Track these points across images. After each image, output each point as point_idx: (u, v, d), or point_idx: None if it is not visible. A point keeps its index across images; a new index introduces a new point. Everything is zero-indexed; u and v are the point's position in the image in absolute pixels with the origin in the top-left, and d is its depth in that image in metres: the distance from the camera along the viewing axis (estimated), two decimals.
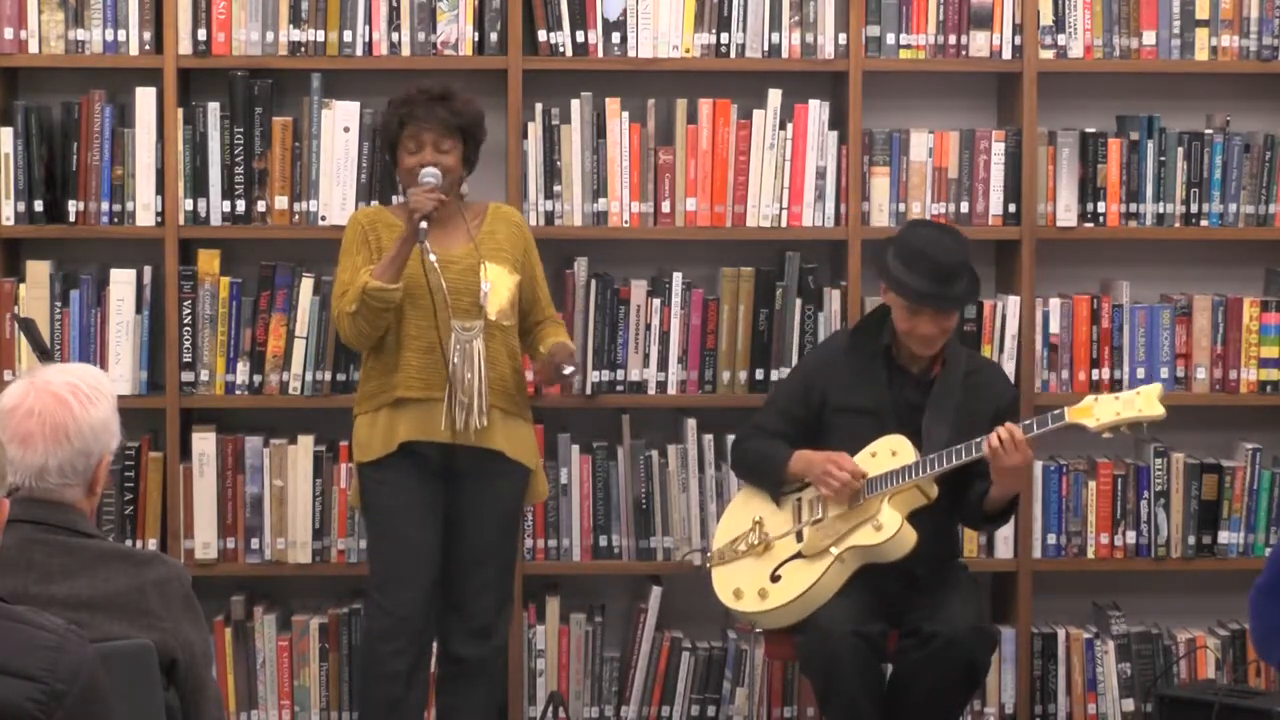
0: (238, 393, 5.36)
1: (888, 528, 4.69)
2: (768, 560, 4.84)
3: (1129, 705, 5.50)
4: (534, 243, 4.95)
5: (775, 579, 4.80)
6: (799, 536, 4.83)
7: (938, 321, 4.79)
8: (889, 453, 4.77)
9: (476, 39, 5.38)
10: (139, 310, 5.35)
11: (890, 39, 5.42)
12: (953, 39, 5.44)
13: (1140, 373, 5.48)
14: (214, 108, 5.34)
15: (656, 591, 5.48)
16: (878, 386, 4.88)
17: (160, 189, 5.33)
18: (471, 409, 4.72)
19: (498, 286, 4.77)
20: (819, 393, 4.93)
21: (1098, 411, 4.63)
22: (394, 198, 5.25)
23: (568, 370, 4.77)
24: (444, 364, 4.71)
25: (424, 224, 4.62)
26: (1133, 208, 5.49)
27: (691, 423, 5.45)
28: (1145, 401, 4.62)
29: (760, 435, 4.98)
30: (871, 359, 4.90)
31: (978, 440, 4.64)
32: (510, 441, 4.82)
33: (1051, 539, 5.50)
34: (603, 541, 5.46)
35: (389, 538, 4.82)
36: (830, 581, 4.73)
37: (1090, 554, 5.50)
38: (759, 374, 5.41)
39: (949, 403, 4.82)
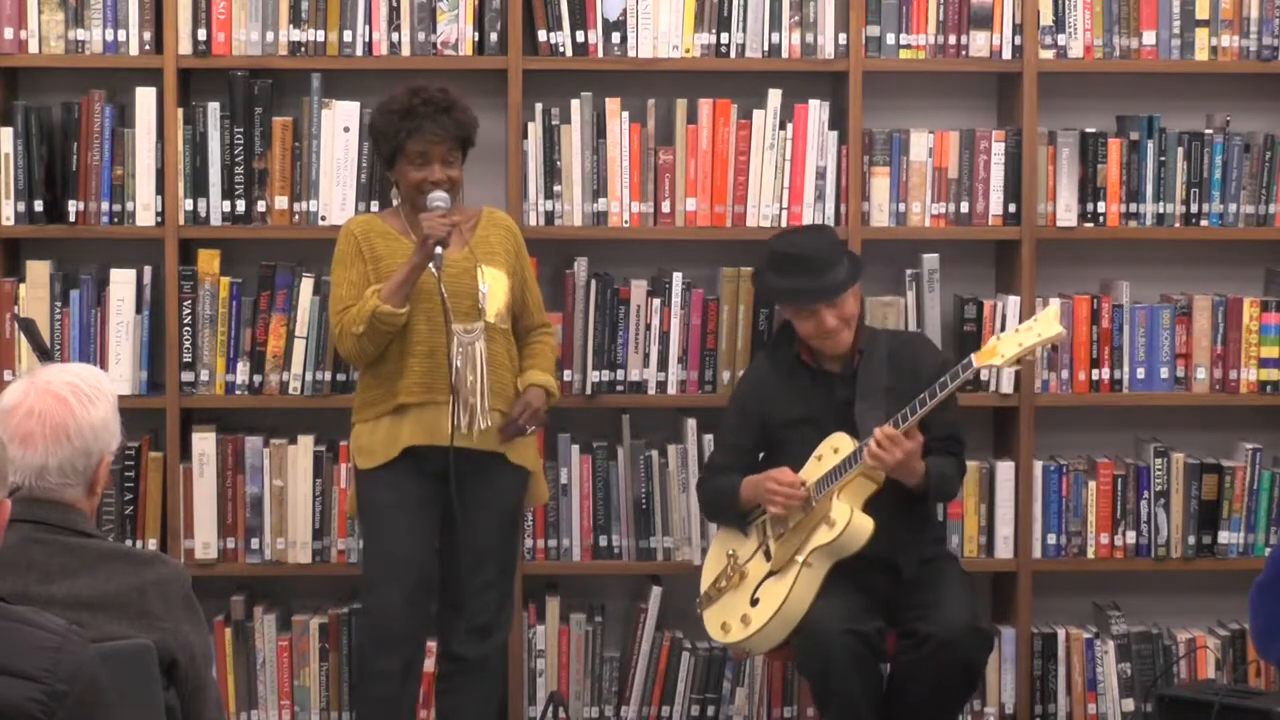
0: (238, 393, 5.36)
1: (839, 521, 4.72)
2: (745, 588, 4.88)
3: (1129, 705, 5.50)
4: (525, 248, 4.95)
5: (754, 602, 4.84)
6: (767, 555, 4.86)
7: (834, 312, 4.84)
8: (832, 451, 4.82)
9: (476, 39, 5.37)
10: (139, 310, 5.35)
11: (890, 39, 5.42)
12: (953, 39, 5.44)
13: (1140, 373, 5.48)
14: (214, 108, 5.34)
15: (656, 591, 5.48)
16: (806, 394, 4.93)
17: (160, 189, 5.33)
18: (476, 411, 4.72)
19: (494, 289, 4.77)
20: (757, 416, 4.99)
21: (1001, 348, 4.68)
22: (392, 200, 5.25)
23: (530, 430, 4.80)
24: (447, 368, 4.71)
25: (439, 250, 4.62)
26: (1133, 208, 5.49)
27: (691, 423, 5.45)
28: (1043, 325, 4.66)
29: (716, 474, 5.04)
30: (792, 371, 4.95)
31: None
32: (512, 444, 4.82)
33: (1051, 539, 5.50)
34: (603, 541, 5.46)
35: (381, 536, 4.81)
36: (804, 588, 4.75)
37: (1090, 554, 5.50)
38: None
39: (877, 388, 4.86)
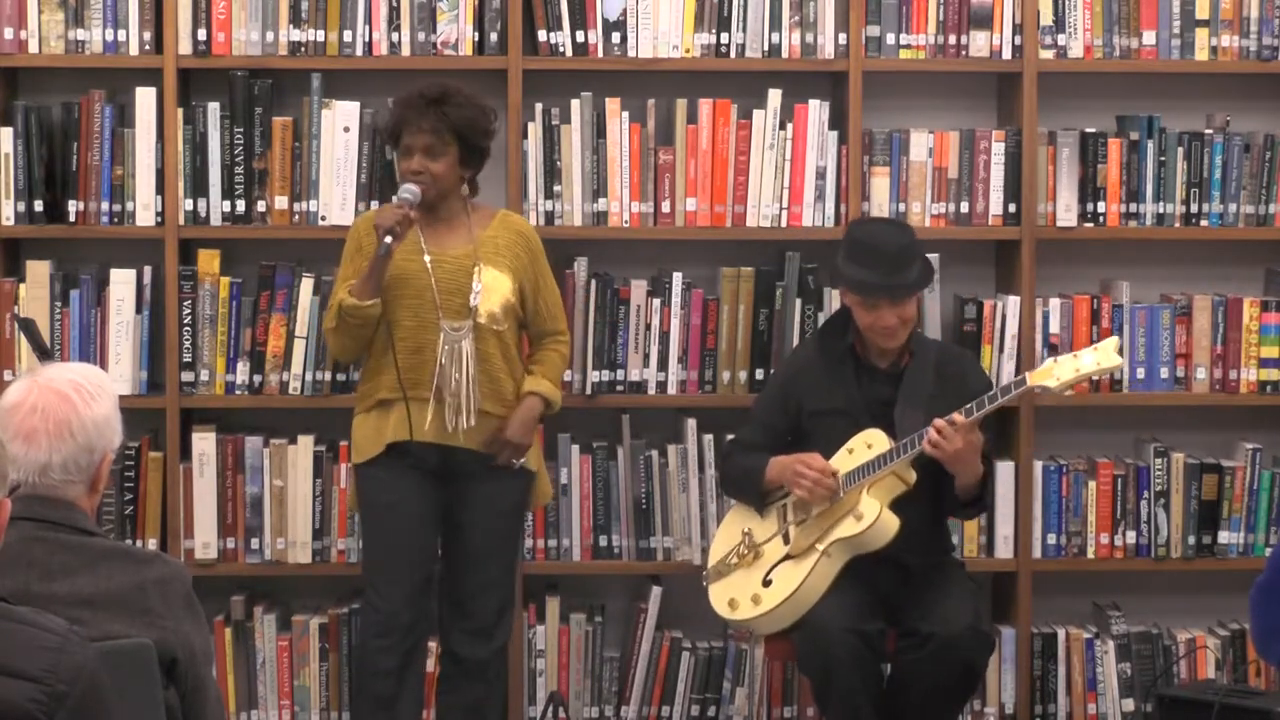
0: (238, 393, 5.36)
1: (867, 516, 4.72)
2: (758, 568, 4.87)
3: (1129, 705, 5.50)
4: (543, 255, 4.92)
5: (767, 583, 4.83)
6: (785, 539, 4.85)
7: (896, 311, 4.82)
8: (865, 446, 4.81)
9: (476, 39, 5.38)
10: (139, 310, 5.35)
11: (890, 39, 5.42)
12: (953, 39, 5.44)
13: (1140, 373, 5.48)
14: (214, 108, 5.34)
15: (656, 591, 5.48)
16: (848, 386, 4.91)
17: (160, 189, 5.33)
18: (460, 409, 4.71)
19: (490, 289, 4.75)
20: (795, 400, 4.96)
21: (1057, 371, 4.70)
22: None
23: (516, 463, 4.80)
24: (433, 364, 4.70)
25: (388, 239, 4.62)
26: (1133, 208, 5.49)
27: (691, 423, 5.45)
28: (1103, 355, 4.69)
29: (743, 450, 5.01)
30: (840, 361, 4.93)
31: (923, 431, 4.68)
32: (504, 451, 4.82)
33: (1051, 539, 5.50)
34: (603, 541, 5.46)
35: (379, 534, 4.82)
36: (819, 577, 4.75)
37: (1090, 554, 5.50)
38: (759, 374, 5.41)
39: (920, 392, 4.85)
